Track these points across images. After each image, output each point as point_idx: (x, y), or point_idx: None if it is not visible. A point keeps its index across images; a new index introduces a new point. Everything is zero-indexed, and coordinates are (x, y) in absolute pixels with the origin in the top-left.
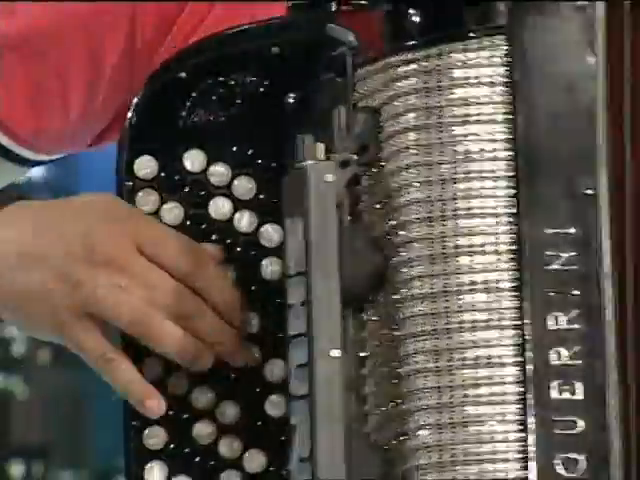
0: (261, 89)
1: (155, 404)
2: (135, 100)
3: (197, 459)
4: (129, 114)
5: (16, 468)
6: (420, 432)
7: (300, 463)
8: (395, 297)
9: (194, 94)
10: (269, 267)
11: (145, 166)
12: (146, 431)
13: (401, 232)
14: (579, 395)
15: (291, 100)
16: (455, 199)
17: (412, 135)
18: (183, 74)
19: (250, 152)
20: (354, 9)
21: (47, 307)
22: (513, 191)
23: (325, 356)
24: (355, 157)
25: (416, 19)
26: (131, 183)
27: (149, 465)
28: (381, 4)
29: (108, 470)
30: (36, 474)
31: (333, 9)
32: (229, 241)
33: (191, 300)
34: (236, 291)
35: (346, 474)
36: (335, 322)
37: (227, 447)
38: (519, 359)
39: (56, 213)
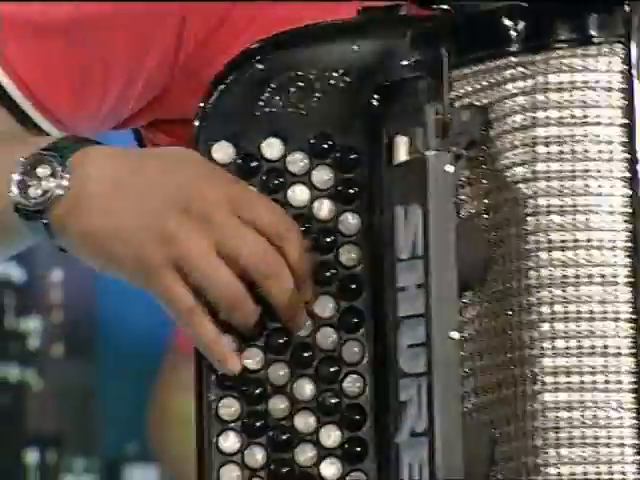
0: (341, 84)
1: (235, 362)
2: (214, 85)
3: (271, 432)
4: (207, 99)
5: (31, 456)
6: (537, 414)
7: (412, 437)
8: (512, 285)
9: (273, 85)
10: (345, 254)
11: (223, 151)
12: (220, 402)
13: (513, 226)
14: None
15: (372, 96)
16: (573, 195)
17: (522, 135)
18: (262, 65)
19: (329, 143)
20: (436, 15)
21: (135, 251)
22: (629, 192)
23: (444, 337)
24: (464, 152)
25: (517, 25)
26: None
27: (223, 434)
28: (478, 10)
29: (117, 458)
30: (50, 461)
31: (404, 12)
32: (306, 227)
33: (277, 261)
34: (309, 262)
35: (461, 449)
36: (454, 305)
37: (303, 422)
38: (634, 350)
39: (157, 159)
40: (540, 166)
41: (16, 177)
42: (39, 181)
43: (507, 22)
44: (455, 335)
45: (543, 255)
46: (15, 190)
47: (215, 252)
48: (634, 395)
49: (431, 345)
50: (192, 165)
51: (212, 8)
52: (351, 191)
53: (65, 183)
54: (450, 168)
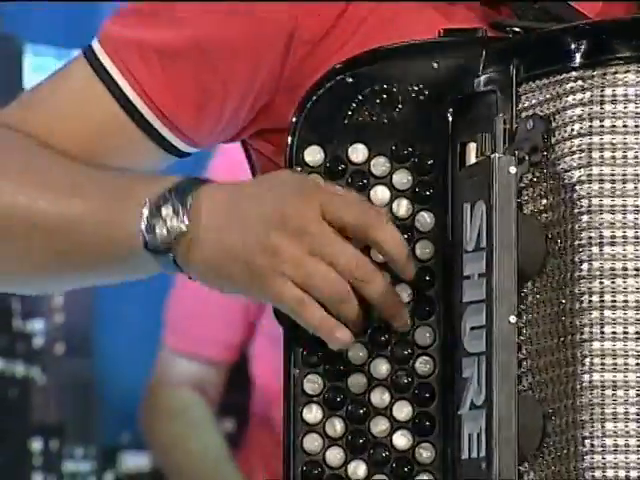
0: (420, 97)
1: (344, 334)
2: (308, 97)
3: (349, 406)
4: (301, 109)
5: (36, 444)
6: (585, 391)
7: (472, 410)
8: (567, 276)
9: (360, 97)
10: (420, 249)
11: (313, 154)
12: (305, 378)
13: (569, 222)
14: None
15: (448, 108)
16: (623, 197)
17: (580, 141)
18: (351, 79)
19: (408, 150)
20: (509, 37)
21: (248, 266)
22: None
23: (504, 321)
24: (527, 157)
25: (577, 44)
26: (300, 168)
27: (307, 406)
28: (536, 32)
29: (113, 446)
30: (53, 449)
31: (488, 35)
32: None
33: (368, 266)
34: (404, 243)
35: (515, 422)
36: (513, 292)
37: (378, 397)
38: None
39: (255, 186)
40: (595, 169)
41: (144, 221)
42: (164, 221)
43: (569, 41)
44: (512, 319)
45: (595, 249)
46: (144, 229)
47: (313, 257)
48: None
49: (491, 328)
50: (284, 184)
51: (316, 24)
52: (427, 192)
53: (186, 221)
54: (513, 169)
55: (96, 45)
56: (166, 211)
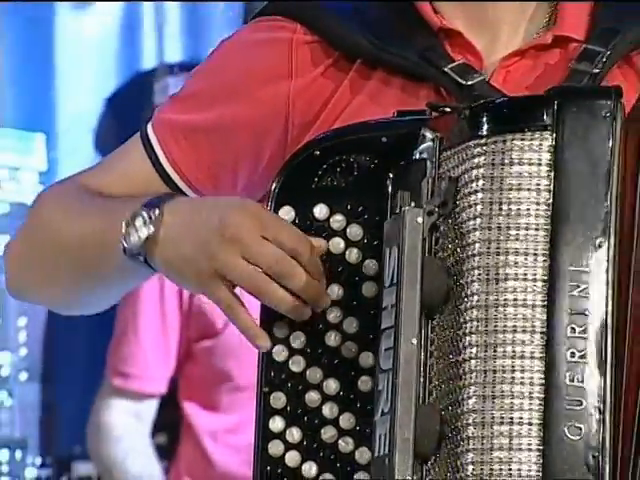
0: (371, 165)
1: (263, 342)
2: (284, 167)
3: (306, 417)
4: (279, 176)
5: (3, 455)
6: (468, 402)
7: (382, 416)
8: (458, 307)
9: (325, 166)
10: (370, 288)
11: (286, 213)
12: (271, 395)
13: (465, 263)
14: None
15: (392, 173)
16: (507, 240)
17: (479, 195)
18: (318, 152)
19: (360, 208)
20: (442, 115)
21: (194, 269)
22: (548, 237)
23: (408, 342)
24: (437, 209)
25: (487, 119)
26: None
27: (272, 418)
28: (461, 110)
29: (68, 456)
30: (17, 459)
31: (427, 115)
32: (340, 269)
33: (289, 263)
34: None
35: (413, 425)
36: (415, 319)
37: (328, 410)
38: (544, 355)
39: (209, 202)
40: (492, 219)
41: (124, 228)
42: (136, 231)
43: (475, 118)
44: (414, 341)
45: (482, 285)
46: (123, 237)
47: (244, 261)
48: (535, 387)
49: (397, 348)
50: (234, 204)
51: (307, 110)
52: (374, 243)
53: (152, 229)
54: (420, 220)
55: (149, 124)
56: (138, 222)
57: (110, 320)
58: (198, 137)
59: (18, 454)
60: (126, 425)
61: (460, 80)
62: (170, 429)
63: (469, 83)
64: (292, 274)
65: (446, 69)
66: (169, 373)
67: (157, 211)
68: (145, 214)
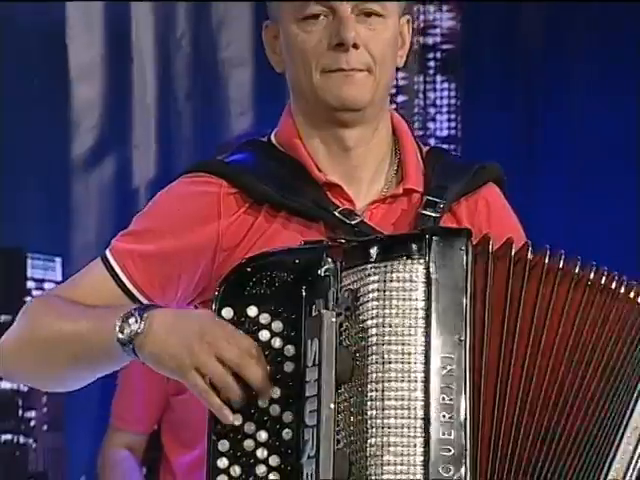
0: (289, 279)
1: (227, 416)
2: (222, 279)
3: (244, 458)
4: (221, 285)
5: None
6: (369, 449)
7: (308, 459)
8: (360, 380)
9: (254, 279)
10: (289, 366)
11: (227, 312)
12: (219, 442)
13: (364, 350)
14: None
15: (303, 286)
16: (394, 335)
17: (374, 302)
18: (249, 269)
19: (281, 309)
20: (339, 245)
21: (177, 363)
22: (424, 348)
23: (326, 407)
24: (344, 312)
25: (377, 249)
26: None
27: (220, 458)
28: (353, 242)
29: None
30: None
31: (329, 244)
32: (267, 353)
33: (244, 359)
34: (263, 364)
35: (332, 466)
36: (332, 390)
37: (260, 453)
38: (423, 416)
39: (190, 313)
40: (384, 319)
41: (118, 324)
42: (129, 326)
43: (366, 248)
44: (332, 406)
45: (378, 366)
46: (117, 331)
47: (216, 360)
48: (417, 439)
49: (320, 410)
50: (209, 318)
51: (232, 238)
52: (292, 333)
53: (142, 327)
54: (333, 319)
55: (107, 252)
56: (131, 320)
57: (113, 379)
58: (150, 261)
59: None
60: (122, 455)
61: (346, 220)
62: (151, 462)
63: (353, 223)
64: (247, 365)
65: (335, 213)
66: (155, 418)
67: (146, 314)
68: (137, 314)
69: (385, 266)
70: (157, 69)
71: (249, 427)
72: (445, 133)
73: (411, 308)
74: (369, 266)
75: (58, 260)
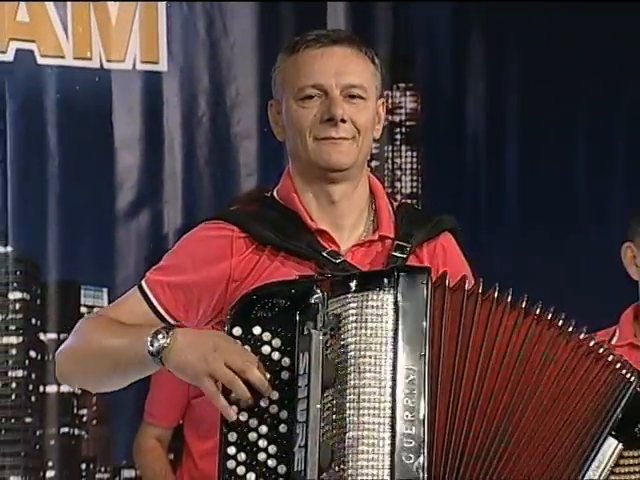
0: (286, 305)
1: (231, 414)
2: (233, 305)
3: (248, 447)
4: (232, 309)
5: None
6: (347, 440)
7: (299, 448)
8: (341, 386)
9: (259, 304)
10: (285, 374)
11: (237, 331)
12: (229, 434)
13: (345, 362)
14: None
15: (298, 310)
16: (369, 350)
17: (353, 324)
18: (255, 296)
19: (280, 329)
20: (327, 279)
21: (195, 371)
22: (392, 361)
23: (314, 407)
24: (329, 332)
25: (355, 282)
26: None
27: (228, 447)
28: (337, 277)
29: (120, 465)
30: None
31: (319, 278)
32: (268, 363)
33: (251, 367)
34: (263, 371)
35: (317, 453)
36: (319, 394)
37: (262, 443)
38: (390, 417)
39: (203, 334)
40: (361, 338)
41: (149, 339)
42: (158, 341)
43: (347, 281)
44: (318, 406)
45: (355, 374)
46: (149, 344)
47: (227, 368)
48: (386, 434)
49: (308, 410)
50: (221, 335)
51: (242, 270)
52: (288, 348)
53: (168, 342)
54: (321, 337)
55: (143, 282)
56: (160, 336)
57: (147, 384)
58: (176, 289)
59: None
60: (152, 444)
61: (332, 260)
62: (176, 449)
63: (337, 261)
64: (250, 371)
65: (324, 253)
66: (179, 415)
67: (171, 332)
68: (164, 332)
69: (362, 296)
70: (183, 141)
71: (253, 422)
72: (409, 191)
73: (382, 329)
74: (349, 295)
75: (105, 290)
